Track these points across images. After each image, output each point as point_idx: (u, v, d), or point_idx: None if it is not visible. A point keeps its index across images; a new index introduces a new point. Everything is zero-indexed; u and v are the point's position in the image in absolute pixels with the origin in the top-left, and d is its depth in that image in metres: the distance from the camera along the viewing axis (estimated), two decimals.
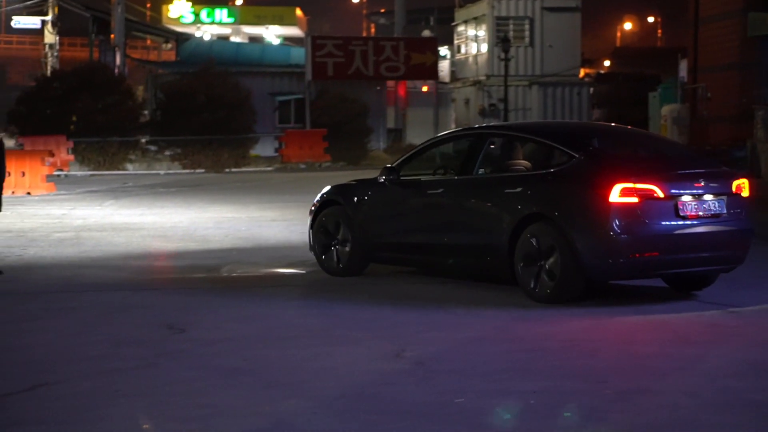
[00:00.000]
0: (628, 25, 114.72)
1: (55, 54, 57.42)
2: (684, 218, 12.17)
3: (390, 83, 55.36)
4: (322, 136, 45.91)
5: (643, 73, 63.73)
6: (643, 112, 56.25)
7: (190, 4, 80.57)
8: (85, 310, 12.44)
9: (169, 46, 68.96)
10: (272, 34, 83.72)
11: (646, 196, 12.01)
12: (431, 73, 52.91)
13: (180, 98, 45.80)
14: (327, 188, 15.22)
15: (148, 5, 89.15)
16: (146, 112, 49.87)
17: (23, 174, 30.88)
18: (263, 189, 32.52)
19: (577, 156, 12.55)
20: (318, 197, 15.13)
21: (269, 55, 58.40)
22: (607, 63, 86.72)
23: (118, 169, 42.64)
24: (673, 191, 12.13)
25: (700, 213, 12.28)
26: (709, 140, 45.21)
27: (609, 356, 9.92)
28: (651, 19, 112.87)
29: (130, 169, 43.49)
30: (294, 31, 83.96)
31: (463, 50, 59.79)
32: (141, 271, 15.52)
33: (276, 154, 47.42)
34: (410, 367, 9.47)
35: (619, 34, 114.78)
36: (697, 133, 48.50)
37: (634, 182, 12.00)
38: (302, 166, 44.94)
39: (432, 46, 53.42)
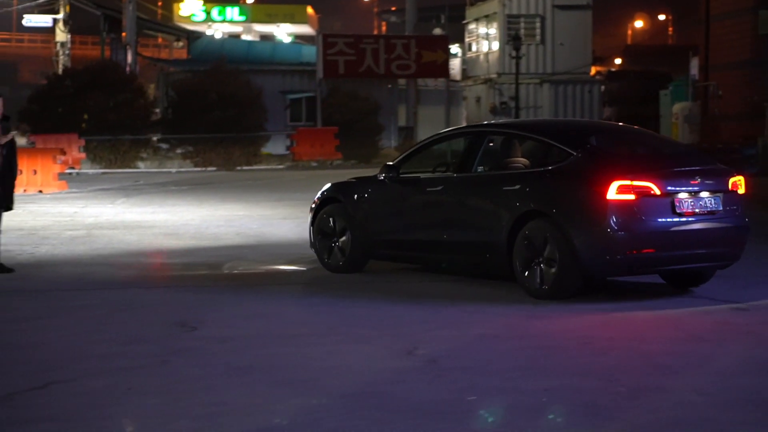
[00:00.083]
0: (639, 23, 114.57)
1: (67, 52, 57.54)
2: (680, 215, 12.27)
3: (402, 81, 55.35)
4: (334, 134, 45.95)
5: (654, 71, 63.67)
6: (654, 110, 56.22)
7: (201, 2, 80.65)
8: (96, 307, 12.46)
9: (181, 44, 69.01)
10: (283, 32, 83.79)
11: (643, 194, 12.11)
12: (442, 71, 52.88)
13: (191, 96, 45.84)
14: (327, 186, 15.34)
15: (159, 3, 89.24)
16: (158, 110, 49.96)
17: (35, 172, 30.92)
18: (274, 187, 32.54)
19: (574, 153, 12.65)
20: (318, 195, 15.24)
21: (280, 54, 58.42)
22: (618, 61, 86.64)
23: (130, 167, 42.70)
24: (669, 188, 12.23)
25: (697, 210, 12.38)
26: (721, 138, 45.18)
27: (621, 354, 9.91)
28: (662, 17, 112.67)
29: (142, 167, 43.55)
30: (305, 30, 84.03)
31: (474, 48, 59.78)
32: (152, 268, 15.55)
33: (287, 152, 47.46)
34: (422, 365, 9.46)
35: (630, 31, 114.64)
36: (708, 130, 48.46)
37: (631, 179, 12.10)
38: (313, 164, 44.97)
39: (443, 44, 53.42)
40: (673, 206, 12.21)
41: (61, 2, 57.02)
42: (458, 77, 62.66)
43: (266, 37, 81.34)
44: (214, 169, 42.70)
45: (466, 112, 59.91)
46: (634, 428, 7.59)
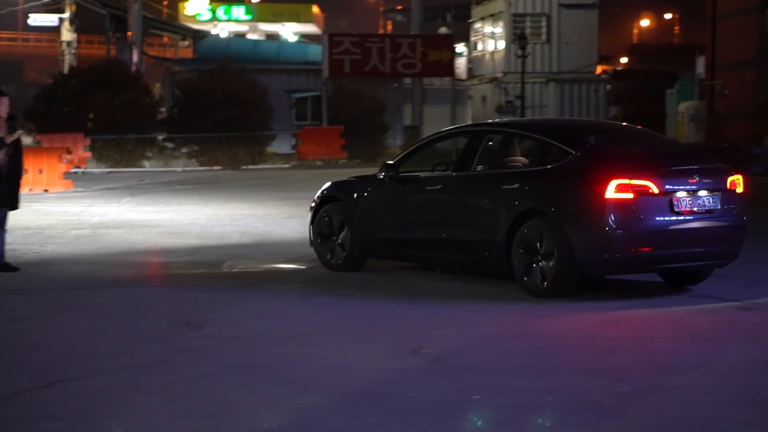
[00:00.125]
0: (645, 22, 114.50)
1: (73, 51, 57.61)
2: (678, 214, 12.31)
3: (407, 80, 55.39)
4: (339, 133, 45.97)
5: (660, 70, 63.65)
6: (660, 109, 56.16)
7: (207, 1, 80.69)
8: (101, 306, 12.47)
9: (186, 43, 69.15)
10: (289, 31, 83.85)
11: (641, 192, 12.15)
12: (448, 70, 52.89)
13: (197, 95, 45.88)
14: (327, 184, 15.40)
15: (165, 2, 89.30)
16: (163, 109, 50.01)
17: (41, 171, 30.96)
18: (280, 186, 32.55)
19: (573, 152, 12.71)
20: (318, 193, 15.30)
21: (286, 53, 58.46)
22: (624, 60, 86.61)
23: (135, 167, 42.74)
24: (667, 187, 12.27)
25: (695, 209, 12.41)
26: (727, 137, 45.12)
27: (624, 353, 9.90)
28: (668, 16, 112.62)
29: (147, 166, 43.59)
30: (311, 29, 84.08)
31: (479, 47, 59.76)
32: (157, 268, 15.56)
33: (293, 151, 47.47)
34: (426, 364, 9.46)
35: (636, 30, 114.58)
36: (714, 129, 48.42)
37: (630, 178, 12.13)
38: (319, 163, 44.98)
39: (449, 43, 53.41)
40: (671, 205, 12.24)
41: (67, 1, 57.08)
42: (464, 76, 62.67)
43: (272, 36, 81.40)
44: (219, 168, 42.73)
45: (472, 111, 59.88)
46: (638, 427, 7.58)
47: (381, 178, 14.54)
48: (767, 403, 8.19)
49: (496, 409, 8.02)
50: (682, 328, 11.08)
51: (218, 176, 38.55)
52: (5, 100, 14.70)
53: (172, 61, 62.99)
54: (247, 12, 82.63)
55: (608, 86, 57.92)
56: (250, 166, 43.29)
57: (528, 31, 53.49)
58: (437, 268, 14.45)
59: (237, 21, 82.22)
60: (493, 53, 57.32)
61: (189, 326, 11.15)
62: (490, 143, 14.07)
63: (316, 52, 55.09)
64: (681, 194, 12.31)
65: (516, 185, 12.98)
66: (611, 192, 12.06)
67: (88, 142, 40.42)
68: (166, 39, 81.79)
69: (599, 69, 59.83)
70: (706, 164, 12.94)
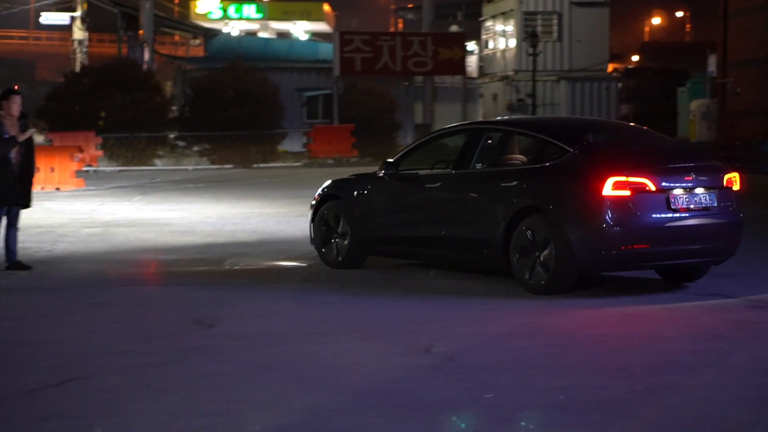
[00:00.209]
0: (656, 20, 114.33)
1: (84, 50, 57.71)
2: (675, 211, 12.40)
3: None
4: (350, 131, 45.96)
5: (671, 68, 63.59)
6: (671, 107, 56.11)
7: (218, 0, 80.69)
8: (114, 305, 12.49)
9: (198, 41, 69.18)
10: (300, 29, 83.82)
11: (639, 190, 12.24)
12: (459, 68, 52.84)
13: (208, 94, 45.93)
14: (328, 182, 15.52)
15: (176, 1, 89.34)
16: (174, 107, 50.06)
17: (52, 170, 31.01)
18: (291, 184, 32.57)
19: (571, 150, 12.79)
20: (319, 191, 15.40)
21: (297, 51, 58.46)
22: (635, 58, 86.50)
23: (147, 165, 42.81)
24: (664, 184, 12.36)
25: (691, 206, 12.50)
26: (738, 135, 45.04)
27: (637, 351, 9.89)
28: (680, 14, 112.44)
29: (159, 164, 43.65)
30: (322, 27, 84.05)
31: (491, 45, 59.72)
32: (170, 265, 15.57)
33: (304, 150, 47.49)
34: (439, 363, 9.47)
35: (647, 28, 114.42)
36: (725, 127, 48.34)
37: (627, 176, 12.22)
38: (330, 161, 44.99)
39: (460, 41, 53.35)
40: (668, 202, 12.34)
41: (79, 0, 57.15)
42: (475, 74, 62.61)
43: (283, 35, 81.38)
44: (230, 166, 42.76)
45: (483, 109, 59.85)
46: (650, 426, 7.58)
47: (381, 176, 14.64)
48: None
49: (508, 407, 8.02)
50: (692, 326, 11.07)
51: (229, 175, 38.59)
52: (17, 99, 14.74)
53: (183, 60, 63.04)
54: (258, 10, 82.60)
55: (619, 84, 57.87)
56: (262, 165, 43.31)
57: (539, 29, 53.45)
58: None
59: (248, 19, 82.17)
60: (504, 51, 57.28)
61: (200, 324, 11.17)
62: (489, 141, 14.17)
63: (327, 50, 55.09)
64: (678, 191, 12.40)
65: (514, 183, 13.07)
66: (608, 189, 12.15)
67: (99, 140, 40.50)
68: (177, 37, 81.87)
69: (610, 67, 59.79)
70: (703, 162, 13.05)
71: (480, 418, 7.77)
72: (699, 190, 12.53)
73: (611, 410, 7.91)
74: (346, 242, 14.80)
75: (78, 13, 57.67)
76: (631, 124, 14.79)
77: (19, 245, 15.14)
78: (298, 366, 9.37)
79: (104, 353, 9.90)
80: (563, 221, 12.39)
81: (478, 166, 13.86)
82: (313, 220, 15.27)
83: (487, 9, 59.93)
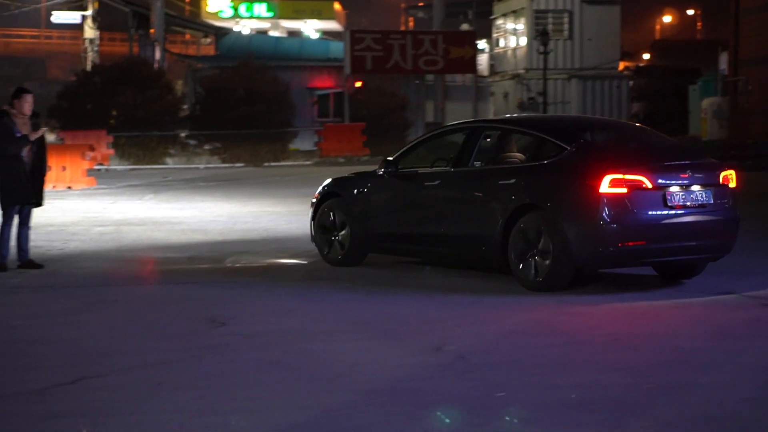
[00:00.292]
0: (667, 18, 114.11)
1: (95, 49, 57.78)
2: (671, 208, 12.49)
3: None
4: (361, 129, 45.93)
5: (682, 67, 63.40)
6: (682, 106, 56.00)
7: None
8: (126, 303, 12.51)
9: (209, 40, 69.20)
10: (311, 28, 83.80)
11: (635, 187, 12.32)
12: (470, 66, 52.83)
13: (219, 92, 45.96)
14: (328, 181, 15.66)
15: (187, 0, 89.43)
16: (186, 106, 50.10)
17: (64, 168, 31.06)
18: (302, 183, 32.55)
19: (568, 148, 12.89)
20: (319, 189, 15.52)
21: (308, 49, 58.46)
22: (646, 56, 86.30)
23: (158, 164, 42.85)
24: (660, 182, 12.45)
25: (688, 203, 12.60)
26: (750, 133, 44.93)
27: (649, 349, 9.87)
28: (691, 12, 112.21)
29: (170, 163, 43.69)
30: (332, 26, 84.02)
31: (501, 44, 59.65)
32: (181, 264, 15.58)
33: (315, 148, 47.49)
34: (451, 361, 9.46)
35: (658, 27, 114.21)
36: (737, 126, 48.23)
37: (624, 173, 12.31)
38: (341, 159, 44.97)
39: (471, 39, 53.31)
40: (664, 199, 12.42)
41: None
42: (486, 73, 62.57)
43: (294, 34, 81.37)
44: (241, 165, 42.78)
45: (494, 107, 59.80)
46: (663, 425, 7.57)
47: (380, 174, 14.73)
48: None
49: (520, 406, 8.02)
50: (705, 324, 11.06)
51: (240, 173, 38.61)
52: (29, 98, 14.76)
53: (194, 59, 63.06)
54: (269, 9, 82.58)
55: (631, 83, 57.73)
56: (273, 163, 43.33)
57: (550, 27, 53.37)
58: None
59: (259, 18, 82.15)
60: (515, 49, 57.21)
61: (213, 323, 11.18)
62: (488, 140, 14.24)
63: (337, 48, 55.08)
64: (674, 189, 12.48)
65: (512, 180, 13.15)
66: (605, 187, 12.23)
67: (110, 139, 40.53)
68: (188, 36, 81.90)
69: (621, 65, 59.66)
70: (699, 160, 13.13)
71: (492, 416, 7.76)
72: (695, 188, 12.61)
73: (624, 409, 7.90)
74: (346, 240, 14.88)
75: (89, 12, 57.73)
76: (630, 122, 14.86)
77: (31, 244, 15.17)
78: (310, 364, 9.37)
79: (116, 351, 9.91)
80: (561, 218, 12.47)
81: (477, 164, 13.98)
82: (313, 218, 15.38)
83: (498, 7, 59.86)
